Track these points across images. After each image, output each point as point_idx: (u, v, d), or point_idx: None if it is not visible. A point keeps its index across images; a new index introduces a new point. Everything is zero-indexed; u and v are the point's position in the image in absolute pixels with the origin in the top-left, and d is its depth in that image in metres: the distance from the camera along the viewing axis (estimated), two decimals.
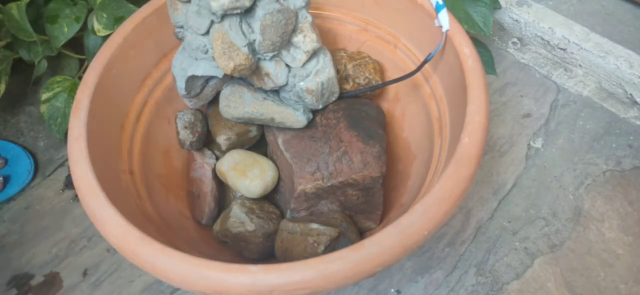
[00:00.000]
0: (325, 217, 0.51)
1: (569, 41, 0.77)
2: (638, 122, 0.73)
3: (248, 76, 0.50)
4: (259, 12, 0.45)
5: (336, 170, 0.50)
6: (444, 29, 0.48)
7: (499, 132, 0.73)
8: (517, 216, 0.63)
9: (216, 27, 0.46)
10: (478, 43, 0.75)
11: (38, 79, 0.77)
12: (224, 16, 0.46)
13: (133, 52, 0.52)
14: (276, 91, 0.53)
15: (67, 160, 0.71)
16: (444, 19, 0.49)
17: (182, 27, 0.50)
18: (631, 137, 0.71)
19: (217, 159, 0.57)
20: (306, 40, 0.48)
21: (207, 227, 0.56)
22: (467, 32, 0.50)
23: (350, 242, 0.49)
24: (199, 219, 0.56)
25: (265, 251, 0.52)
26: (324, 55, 0.51)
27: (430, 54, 0.50)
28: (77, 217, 0.65)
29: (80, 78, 0.69)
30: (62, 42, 0.65)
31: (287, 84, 0.51)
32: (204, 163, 0.55)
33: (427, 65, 0.54)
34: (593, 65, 0.76)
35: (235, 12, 0.45)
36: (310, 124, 0.54)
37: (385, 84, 0.56)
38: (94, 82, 0.46)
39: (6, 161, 0.69)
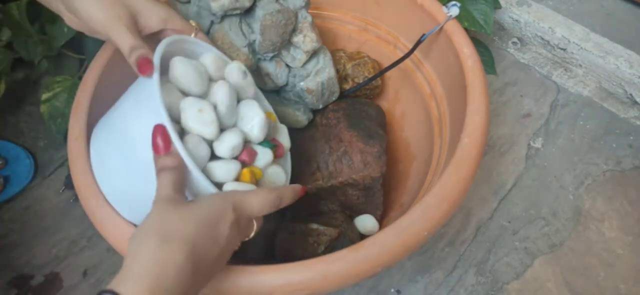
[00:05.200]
0: (325, 217, 0.51)
1: (569, 41, 0.77)
2: (638, 122, 0.73)
3: None
4: (259, 12, 0.45)
5: (336, 170, 0.50)
6: (453, 15, 0.49)
7: (499, 132, 0.73)
8: (517, 216, 0.63)
9: (216, 28, 0.46)
10: (478, 43, 0.74)
11: (38, 79, 0.77)
12: (223, 17, 0.46)
13: None
14: (276, 91, 0.53)
15: (67, 160, 0.71)
16: (454, 9, 0.49)
17: None
18: (631, 137, 0.71)
19: None
20: (306, 40, 0.48)
21: None
22: (467, 31, 0.50)
23: (350, 242, 0.49)
24: None
25: (265, 251, 0.52)
26: (323, 55, 0.51)
27: (424, 34, 0.50)
28: (77, 217, 0.65)
29: (80, 78, 0.69)
30: (62, 42, 0.65)
31: (287, 84, 0.51)
32: None
33: (427, 65, 0.54)
34: (593, 65, 0.76)
35: (235, 12, 0.45)
36: (311, 123, 0.54)
37: (382, 72, 0.56)
38: (94, 82, 0.46)
39: (6, 161, 0.69)
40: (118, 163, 0.37)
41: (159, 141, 0.32)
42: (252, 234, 0.35)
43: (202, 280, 0.30)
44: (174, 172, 0.32)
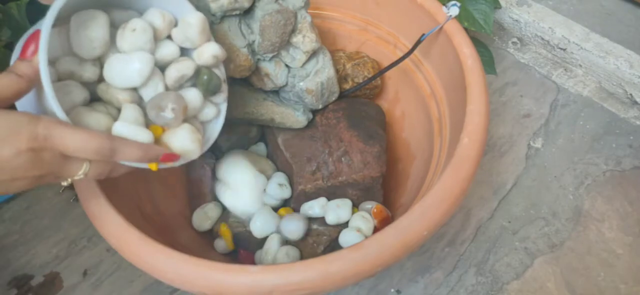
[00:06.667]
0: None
1: (569, 41, 0.77)
2: (638, 122, 0.73)
3: (248, 77, 0.50)
4: (258, 12, 0.45)
5: (336, 170, 0.50)
6: (452, 15, 0.48)
7: (499, 132, 0.73)
8: (517, 216, 0.63)
9: (215, 28, 0.46)
10: (478, 43, 0.75)
11: None
12: (223, 17, 0.46)
13: None
14: (276, 91, 0.53)
15: None
16: (454, 8, 0.49)
17: None
18: (631, 137, 0.71)
19: (217, 159, 0.57)
20: (305, 40, 0.48)
21: None
22: (467, 31, 0.50)
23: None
24: None
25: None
26: (323, 55, 0.51)
27: (423, 34, 0.50)
28: (77, 217, 0.65)
29: None
30: None
31: (286, 84, 0.51)
32: (203, 163, 0.55)
33: (427, 65, 0.54)
34: (593, 65, 0.76)
35: (234, 13, 0.45)
36: (311, 123, 0.54)
37: (382, 71, 0.56)
38: None
39: None
40: None
41: (31, 46, 0.30)
42: (77, 177, 0.30)
43: None
44: (15, 79, 0.29)
